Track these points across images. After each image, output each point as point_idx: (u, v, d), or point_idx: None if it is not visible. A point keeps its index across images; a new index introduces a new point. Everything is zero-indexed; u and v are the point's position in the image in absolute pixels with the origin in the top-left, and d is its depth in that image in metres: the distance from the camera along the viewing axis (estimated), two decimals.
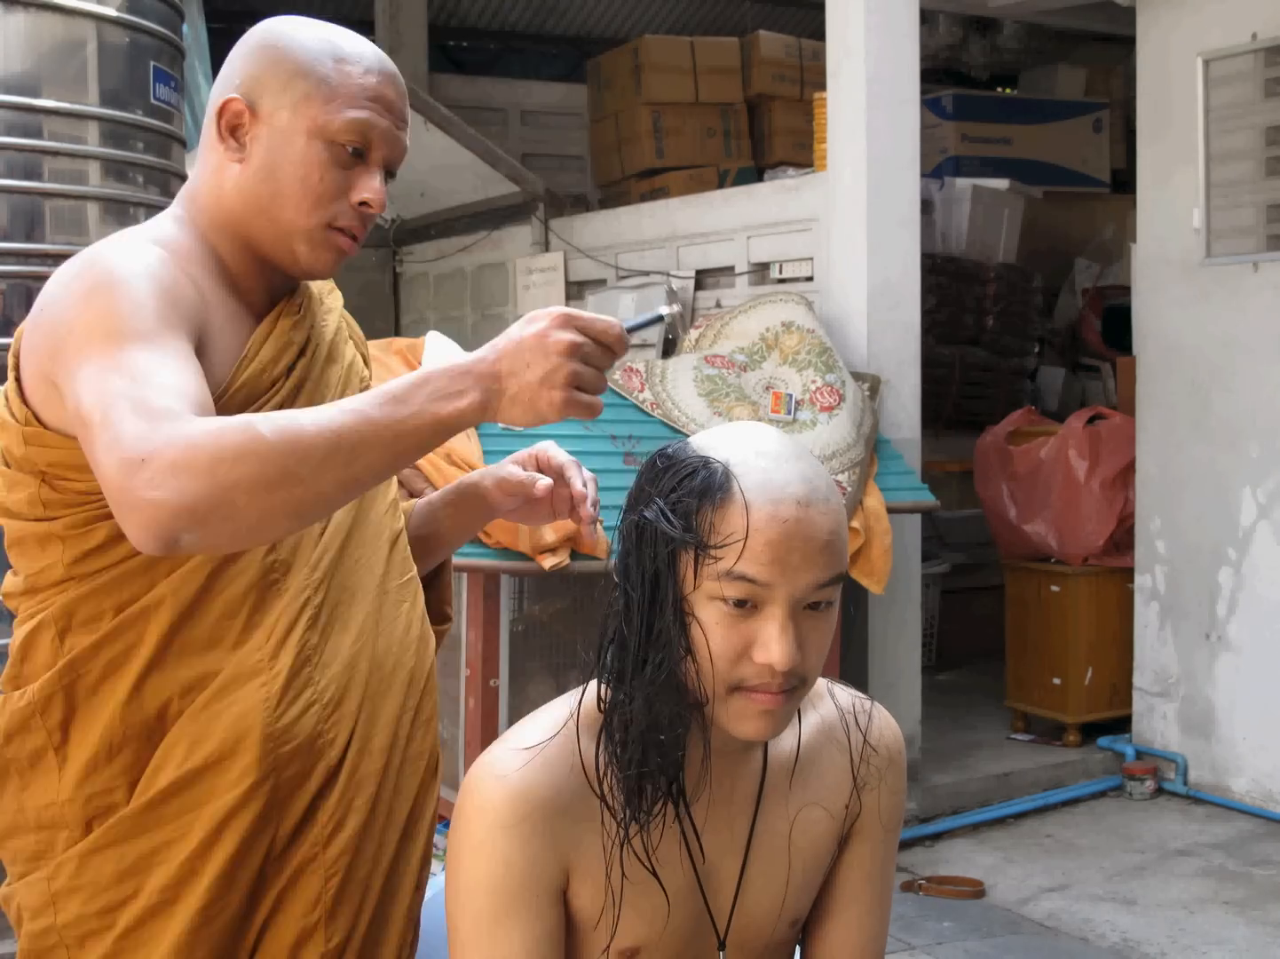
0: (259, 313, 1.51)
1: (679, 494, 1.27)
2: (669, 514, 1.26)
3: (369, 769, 1.50)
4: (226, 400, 1.40)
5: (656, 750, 1.28)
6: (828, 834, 1.43)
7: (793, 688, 1.28)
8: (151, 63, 3.89)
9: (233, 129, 1.47)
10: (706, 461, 1.27)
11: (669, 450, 1.33)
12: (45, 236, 3.60)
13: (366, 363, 1.74)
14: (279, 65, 1.46)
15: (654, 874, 1.32)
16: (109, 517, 1.35)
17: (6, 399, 1.42)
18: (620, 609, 1.30)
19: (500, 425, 3.83)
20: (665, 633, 1.27)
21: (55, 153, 3.59)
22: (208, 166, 1.50)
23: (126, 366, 1.27)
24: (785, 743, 1.41)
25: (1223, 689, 4.85)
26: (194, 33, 6.49)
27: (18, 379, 1.40)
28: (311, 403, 1.47)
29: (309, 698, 1.45)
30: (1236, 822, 4.68)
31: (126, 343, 1.29)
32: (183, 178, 4.32)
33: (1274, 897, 4.03)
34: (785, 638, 1.24)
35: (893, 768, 1.47)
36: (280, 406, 1.45)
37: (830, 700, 1.47)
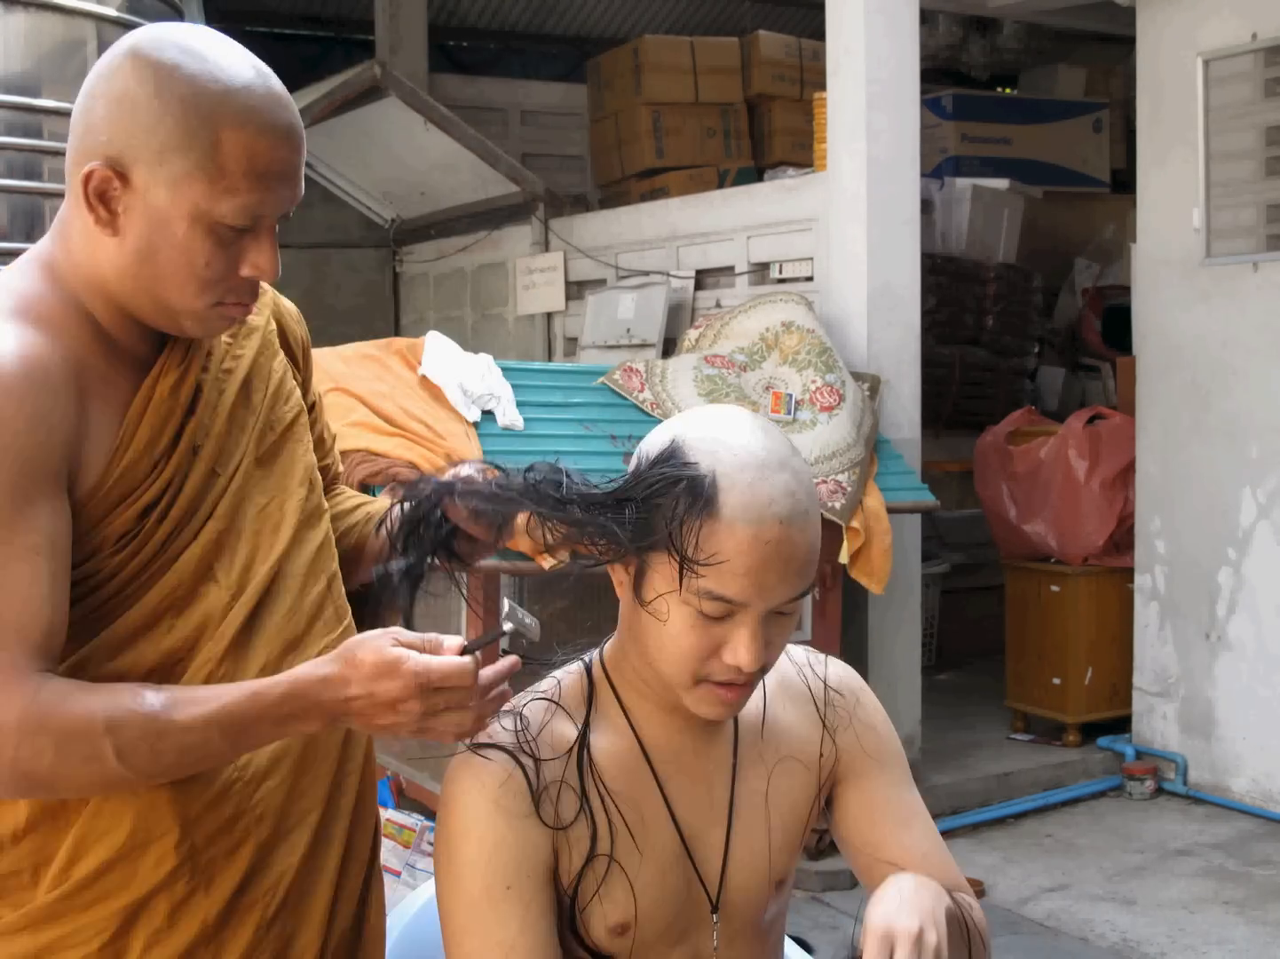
0: (141, 361, 1.36)
1: (664, 500, 1.27)
2: (676, 539, 1.26)
3: (301, 835, 1.41)
4: (102, 496, 1.29)
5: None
6: (805, 786, 1.45)
7: (753, 679, 1.33)
8: None
9: (101, 195, 1.27)
10: (693, 477, 1.26)
11: (654, 452, 1.31)
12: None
13: (303, 360, 1.57)
14: (152, 131, 1.24)
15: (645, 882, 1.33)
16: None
17: None
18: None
19: (499, 425, 3.84)
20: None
21: (55, 153, 3.59)
22: (76, 226, 1.31)
23: None
24: (752, 706, 1.43)
25: (1223, 689, 4.85)
26: None
27: None
28: (216, 462, 1.37)
29: (227, 777, 1.34)
30: (1236, 822, 4.68)
31: None
32: None
33: (1274, 897, 4.03)
34: (755, 644, 1.28)
35: (860, 705, 1.50)
36: (168, 486, 1.33)
37: (786, 659, 1.49)
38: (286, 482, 1.45)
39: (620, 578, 1.35)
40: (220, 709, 1.22)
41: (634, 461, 1.33)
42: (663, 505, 1.27)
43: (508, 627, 1.31)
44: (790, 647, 1.47)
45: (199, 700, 1.23)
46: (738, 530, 1.24)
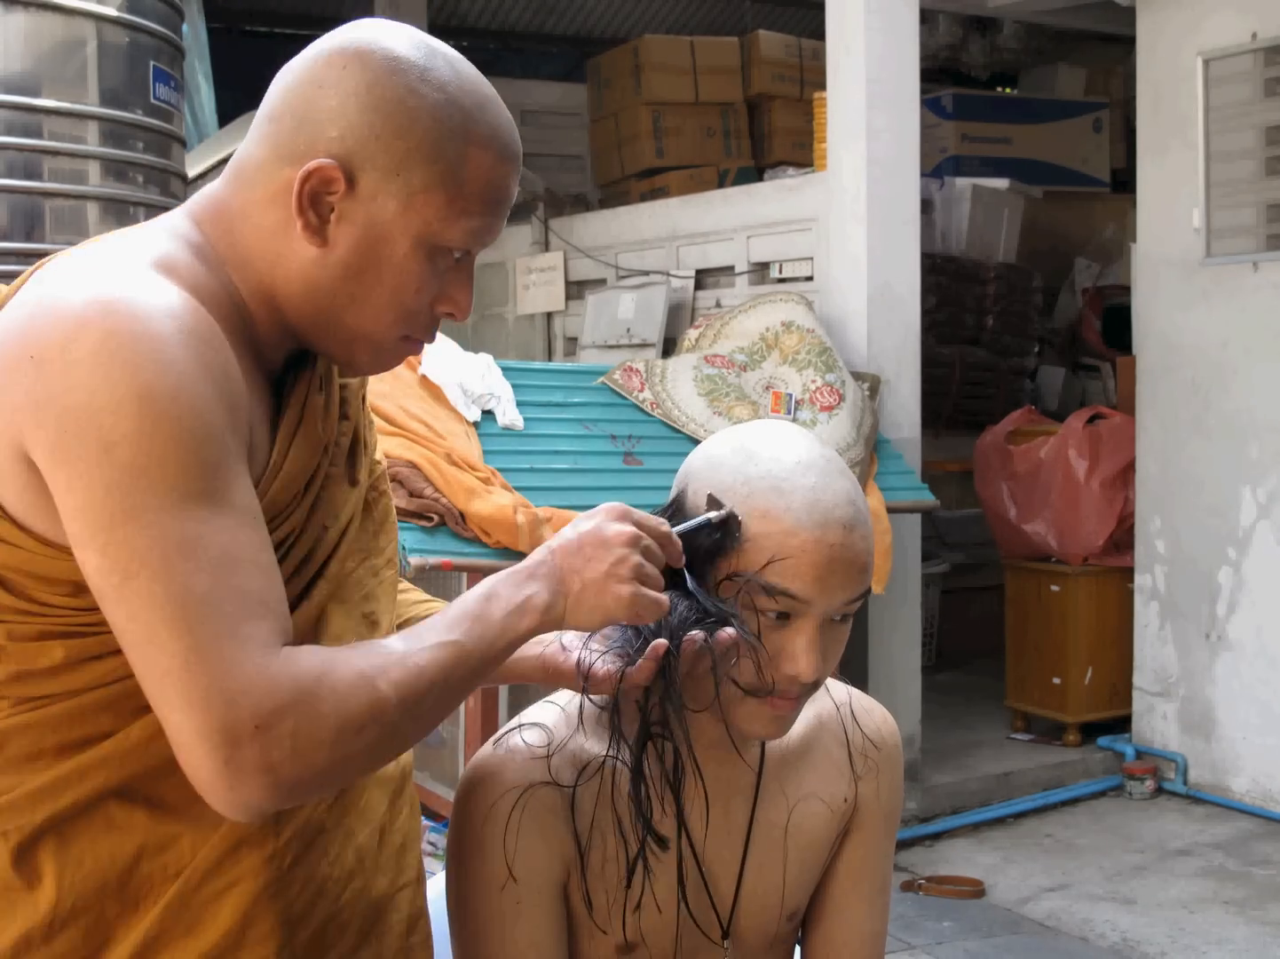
0: (271, 372, 1.20)
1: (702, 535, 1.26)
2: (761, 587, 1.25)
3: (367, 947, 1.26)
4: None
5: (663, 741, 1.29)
6: (826, 827, 1.44)
7: (806, 692, 1.30)
8: (151, 62, 3.89)
9: (315, 198, 1.12)
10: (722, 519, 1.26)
11: (710, 458, 1.31)
12: (45, 236, 3.60)
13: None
14: (396, 136, 1.11)
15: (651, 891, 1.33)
16: (73, 635, 1.09)
17: None
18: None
19: (499, 425, 3.84)
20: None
21: (55, 152, 3.60)
22: (259, 222, 1.15)
23: (200, 553, 1.01)
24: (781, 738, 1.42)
25: (1222, 689, 4.85)
26: (194, 33, 6.49)
27: None
28: (326, 515, 1.21)
29: (324, 873, 1.19)
30: (1236, 821, 4.68)
31: (195, 503, 1.01)
32: (182, 177, 4.32)
33: (1274, 897, 4.03)
34: (814, 652, 1.26)
35: (890, 763, 1.48)
36: (292, 530, 1.17)
37: (826, 694, 1.48)
38: (384, 543, 1.31)
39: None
40: (449, 619, 1.12)
41: (683, 476, 1.33)
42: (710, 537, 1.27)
43: (714, 515, 1.25)
44: (832, 681, 1.47)
45: (429, 626, 1.12)
46: (802, 532, 1.24)
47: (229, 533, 1.03)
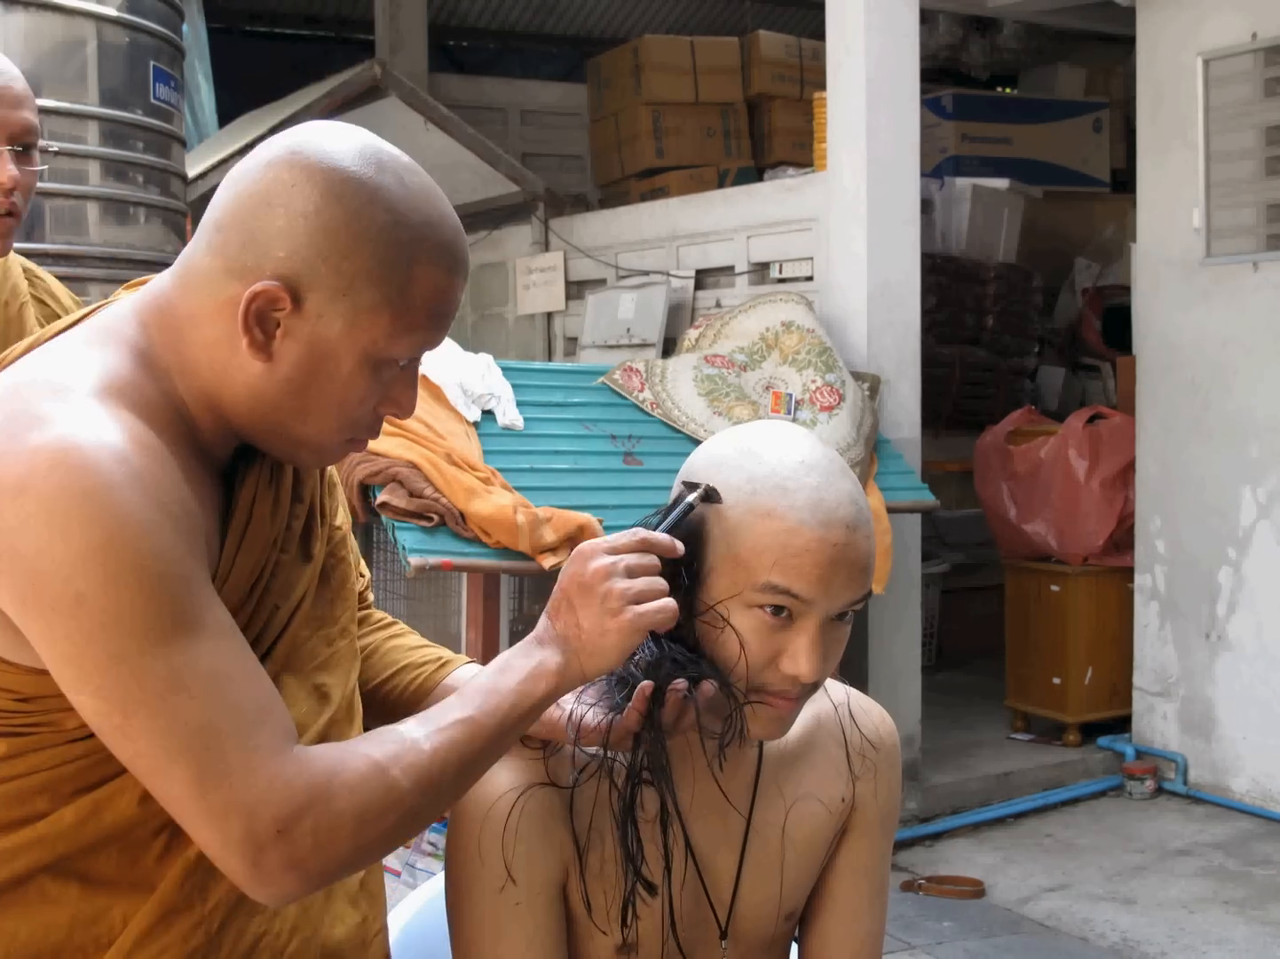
0: (219, 467, 1.21)
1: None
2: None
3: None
4: None
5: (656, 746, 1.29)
6: (824, 828, 1.44)
7: (806, 693, 1.30)
8: (151, 62, 3.89)
9: (261, 316, 1.13)
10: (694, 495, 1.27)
11: (713, 458, 1.32)
12: (45, 236, 3.60)
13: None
14: (345, 257, 1.12)
15: (653, 884, 1.32)
16: (16, 734, 1.11)
17: None
18: None
19: (499, 425, 3.84)
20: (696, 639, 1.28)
21: (55, 153, 3.59)
22: (204, 334, 1.15)
23: (190, 682, 1.04)
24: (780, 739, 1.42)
25: (1223, 689, 4.85)
26: (194, 33, 6.49)
27: None
28: (279, 595, 1.22)
29: (256, 931, 1.21)
30: (1236, 822, 4.68)
31: (173, 637, 1.04)
32: (182, 177, 4.32)
33: (1274, 897, 4.03)
34: (815, 651, 1.26)
35: (888, 764, 1.48)
36: (243, 617, 1.18)
37: (825, 694, 1.48)
38: (339, 612, 1.33)
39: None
40: (464, 696, 1.16)
41: (685, 475, 1.34)
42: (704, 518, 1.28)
43: (692, 497, 1.26)
44: (831, 681, 1.46)
45: (444, 706, 1.16)
46: (806, 531, 1.24)
47: (211, 654, 1.06)
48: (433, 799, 1.12)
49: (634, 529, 1.24)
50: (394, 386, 1.19)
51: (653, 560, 1.22)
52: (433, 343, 1.18)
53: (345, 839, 1.07)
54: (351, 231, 1.12)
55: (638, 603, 1.19)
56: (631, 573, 1.20)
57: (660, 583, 1.21)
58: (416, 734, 1.12)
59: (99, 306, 1.24)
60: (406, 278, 1.13)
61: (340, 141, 1.15)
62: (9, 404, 1.08)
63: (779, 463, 1.28)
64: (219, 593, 1.13)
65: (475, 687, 1.17)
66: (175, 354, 1.17)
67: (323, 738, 1.24)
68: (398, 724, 1.16)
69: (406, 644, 1.49)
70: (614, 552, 1.21)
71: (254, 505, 1.21)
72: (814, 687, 1.30)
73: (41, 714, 1.10)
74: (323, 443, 1.20)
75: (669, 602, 1.20)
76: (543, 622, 1.22)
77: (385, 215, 1.13)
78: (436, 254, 1.15)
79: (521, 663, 1.19)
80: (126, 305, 1.21)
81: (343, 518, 1.39)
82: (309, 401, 1.16)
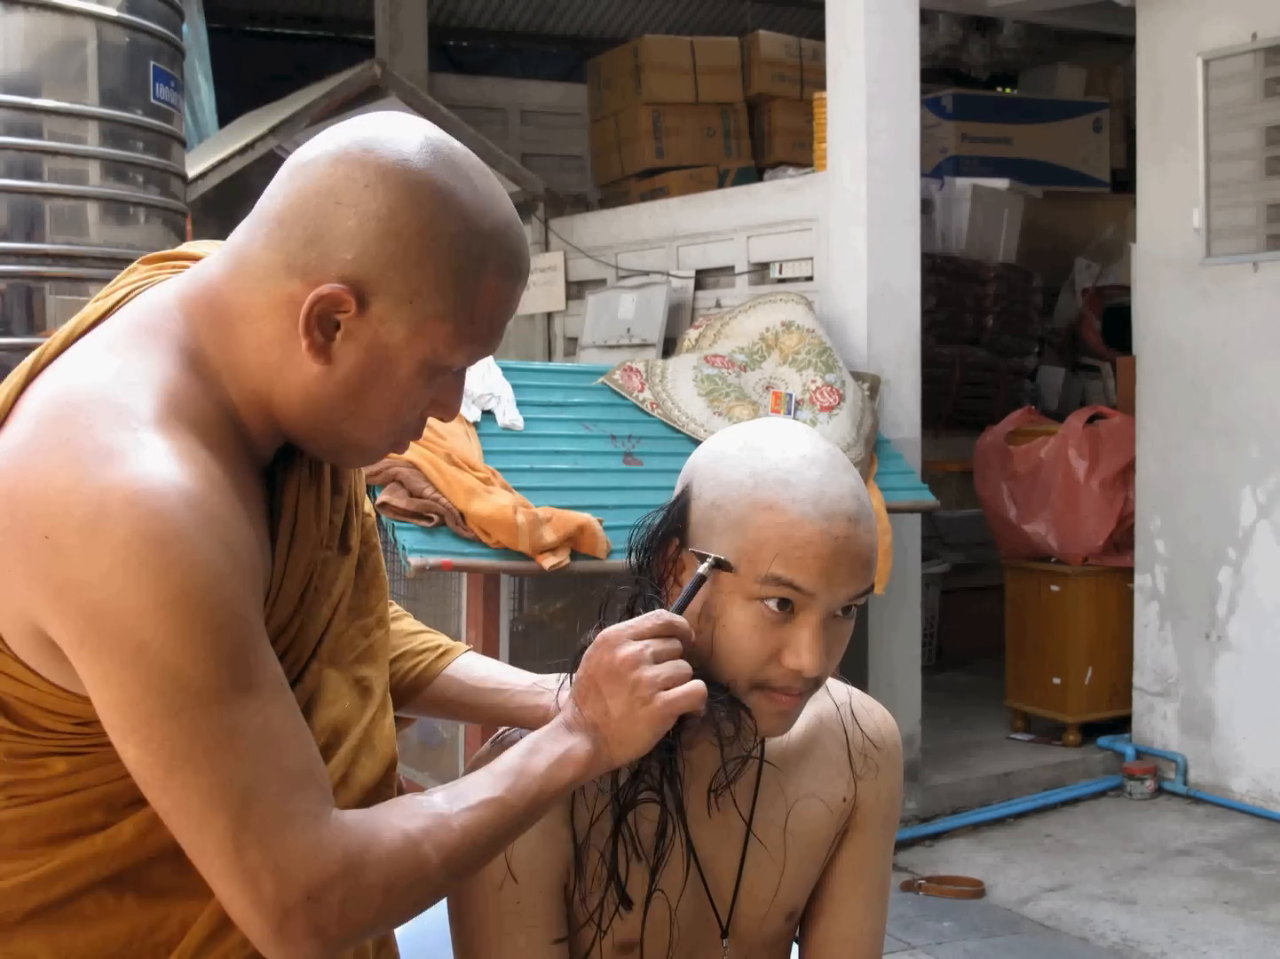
0: (263, 466, 1.19)
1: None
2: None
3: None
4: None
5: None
6: (825, 827, 1.44)
7: (809, 688, 1.30)
8: (151, 63, 3.89)
9: (323, 317, 1.09)
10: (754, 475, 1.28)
11: (715, 453, 1.33)
12: (45, 236, 3.60)
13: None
14: (414, 266, 1.09)
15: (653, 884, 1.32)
16: (75, 754, 1.11)
17: None
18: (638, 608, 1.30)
19: (499, 425, 3.84)
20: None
21: (55, 153, 3.59)
22: (260, 333, 1.12)
23: (239, 741, 1.03)
24: (781, 737, 1.42)
25: (1223, 689, 4.85)
26: (194, 33, 6.49)
27: None
28: (322, 595, 1.22)
29: None
30: (1236, 822, 4.68)
31: (230, 696, 1.03)
32: (182, 177, 4.32)
33: (1274, 897, 4.03)
34: (817, 645, 1.26)
35: (890, 763, 1.48)
36: (291, 623, 1.19)
37: (826, 694, 1.48)
38: (374, 601, 1.33)
39: (670, 589, 1.33)
40: (493, 775, 1.17)
41: (688, 472, 1.35)
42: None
43: (703, 568, 1.27)
44: (832, 681, 1.47)
45: (473, 783, 1.17)
46: (808, 525, 1.25)
47: (263, 714, 1.05)
48: (456, 875, 1.14)
49: (656, 612, 1.24)
50: (443, 390, 1.17)
51: (676, 645, 1.22)
52: (490, 350, 1.17)
53: (371, 910, 1.07)
54: (424, 239, 1.09)
55: (666, 689, 1.19)
56: (658, 658, 1.20)
57: (686, 667, 1.21)
58: (446, 810, 1.13)
59: (131, 291, 1.20)
60: (475, 288, 1.11)
61: (412, 138, 1.11)
62: (68, 427, 1.04)
63: (781, 457, 1.28)
64: (274, 602, 1.13)
65: (506, 767, 1.17)
66: (226, 353, 1.13)
67: (367, 735, 1.25)
68: (426, 795, 1.16)
69: (404, 629, 1.48)
70: (638, 637, 1.21)
71: (298, 506, 1.19)
72: (817, 683, 1.30)
73: (99, 735, 1.08)
74: (370, 444, 1.18)
75: (698, 685, 1.20)
76: (570, 706, 1.22)
77: (459, 224, 1.10)
78: (505, 263, 1.13)
79: (550, 747, 1.19)
80: (169, 296, 1.16)
81: (370, 506, 1.38)
82: (364, 406, 1.13)
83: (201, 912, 1.14)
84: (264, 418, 1.15)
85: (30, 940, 1.12)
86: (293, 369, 1.12)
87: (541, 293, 6.40)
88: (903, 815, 4.44)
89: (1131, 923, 3.87)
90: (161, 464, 1.03)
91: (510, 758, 1.19)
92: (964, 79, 8.57)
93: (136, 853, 1.12)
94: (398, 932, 1.58)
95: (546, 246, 6.50)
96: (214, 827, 1.03)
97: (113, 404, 1.05)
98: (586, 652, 1.23)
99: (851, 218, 4.69)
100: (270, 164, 6.79)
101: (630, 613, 1.29)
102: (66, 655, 1.04)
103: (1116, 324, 6.64)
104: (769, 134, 7.53)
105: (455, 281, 1.10)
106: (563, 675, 1.38)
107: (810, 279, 4.96)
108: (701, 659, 1.29)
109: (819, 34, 5.18)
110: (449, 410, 1.19)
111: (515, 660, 4.19)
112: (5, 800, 1.11)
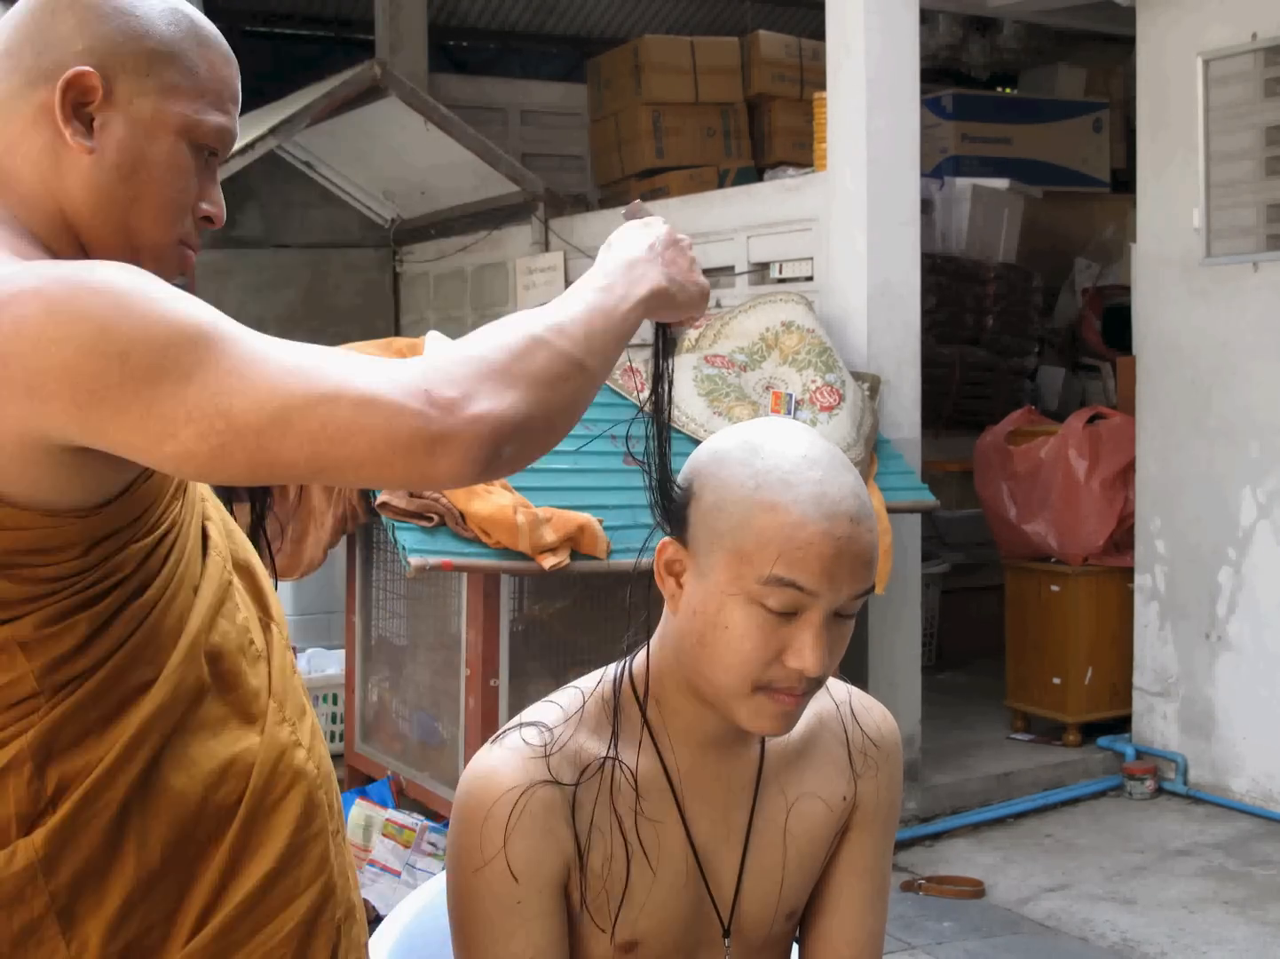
0: None
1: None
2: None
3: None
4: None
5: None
6: (825, 825, 1.44)
7: (812, 688, 1.30)
8: None
9: (77, 109, 1.16)
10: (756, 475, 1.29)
11: (716, 454, 1.36)
12: None
13: None
14: (139, 40, 1.18)
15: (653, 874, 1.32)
16: (88, 604, 1.13)
17: None
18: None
19: None
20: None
21: None
22: (35, 145, 1.18)
23: (261, 347, 1.07)
24: (782, 737, 1.42)
25: (1223, 689, 4.85)
26: None
27: None
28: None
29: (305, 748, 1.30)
30: (1236, 822, 4.68)
31: (225, 332, 1.06)
32: None
33: (1274, 897, 4.03)
34: (820, 646, 1.26)
35: (890, 761, 1.49)
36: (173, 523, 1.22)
37: (826, 693, 1.48)
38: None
39: (671, 590, 1.33)
40: (582, 283, 1.31)
41: (688, 472, 1.41)
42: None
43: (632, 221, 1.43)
44: (832, 680, 1.47)
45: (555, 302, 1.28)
46: (810, 525, 1.25)
47: (258, 338, 1.08)
48: (578, 343, 1.21)
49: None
50: (205, 183, 1.24)
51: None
52: (227, 133, 1.24)
53: (504, 374, 1.11)
54: (138, 16, 1.19)
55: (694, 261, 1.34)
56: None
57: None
58: (541, 312, 1.23)
59: None
60: (197, 56, 1.21)
61: None
62: None
63: (782, 457, 1.29)
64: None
65: (589, 285, 1.31)
66: (11, 193, 1.18)
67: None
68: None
69: None
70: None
71: None
72: (819, 682, 1.30)
73: (113, 568, 1.15)
74: (160, 240, 1.21)
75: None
76: (635, 250, 1.35)
77: (162, 4, 1.21)
78: (214, 38, 1.24)
79: (630, 269, 1.32)
80: None
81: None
82: (139, 187, 1.19)
83: (268, 746, 1.23)
84: (69, 240, 1.19)
85: (129, 825, 1.15)
86: (69, 169, 1.18)
87: (542, 293, 6.40)
88: (903, 815, 4.44)
89: (1131, 923, 3.87)
90: (12, 264, 1.08)
91: (597, 273, 1.35)
92: (964, 79, 8.57)
93: (177, 706, 1.18)
94: (397, 932, 1.58)
95: (546, 246, 6.50)
96: (320, 382, 1.04)
97: None
98: (624, 232, 1.38)
99: (851, 218, 4.69)
100: (270, 164, 6.80)
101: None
102: (78, 440, 1.05)
103: (1116, 324, 6.64)
104: (769, 134, 7.54)
105: (178, 50, 1.20)
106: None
107: (810, 279, 4.96)
108: (694, 662, 1.29)
109: (819, 34, 5.18)
110: (215, 202, 1.25)
111: (515, 660, 4.18)
112: (49, 701, 1.12)
